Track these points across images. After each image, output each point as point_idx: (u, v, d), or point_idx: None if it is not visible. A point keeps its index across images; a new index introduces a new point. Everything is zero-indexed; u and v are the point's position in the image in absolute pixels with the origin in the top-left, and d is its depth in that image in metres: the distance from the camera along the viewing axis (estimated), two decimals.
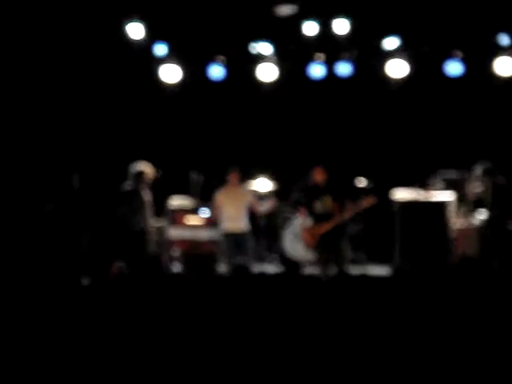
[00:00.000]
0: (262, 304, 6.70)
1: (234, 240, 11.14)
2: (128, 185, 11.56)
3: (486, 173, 11.33)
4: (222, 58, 13.21)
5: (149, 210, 11.56)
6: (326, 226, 10.39)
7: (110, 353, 6.06)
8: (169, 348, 6.06)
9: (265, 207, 11.60)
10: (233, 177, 11.24)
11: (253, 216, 12.95)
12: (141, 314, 6.50)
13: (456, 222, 11.87)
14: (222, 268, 11.46)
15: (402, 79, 12.99)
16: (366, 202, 10.54)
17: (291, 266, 8.46)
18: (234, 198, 11.18)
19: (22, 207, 11.99)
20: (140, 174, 11.50)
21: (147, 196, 11.54)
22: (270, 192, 13.24)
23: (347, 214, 10.56)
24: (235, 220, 11.11)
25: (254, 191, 11.71)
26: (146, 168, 11.57)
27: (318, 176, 10.60)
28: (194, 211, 12.32)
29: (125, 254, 10.95)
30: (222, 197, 11.30)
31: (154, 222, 11.78)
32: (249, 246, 11.28)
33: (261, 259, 13.07)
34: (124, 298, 6.80)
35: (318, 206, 10.58)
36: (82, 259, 11.17)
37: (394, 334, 6.17)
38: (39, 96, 12.59)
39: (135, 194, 11.47)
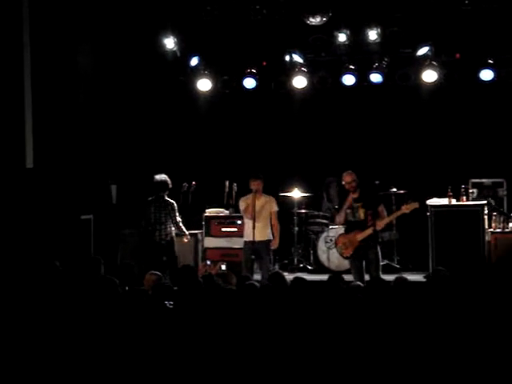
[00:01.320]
0: (295, 310, 6.77)
1: (252, 248, 10.98)
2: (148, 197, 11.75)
3: None
4: (254, 68, 13.30)
5: (170, 220, 11.63)
6: (362, 235, 10.37)
7: (149, 361, 6.16)
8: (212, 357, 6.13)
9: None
10: (255, 185, 11.05)
11: (288, 224, 13.08)
12: (179, 322, 6.59)
13: (491, 228, 11.84)
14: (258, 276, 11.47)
15: (434, 87, 12.99)
16: (408, 207, 10.47)
17: (334, 276, 8.40)
18: (254, 206, 10.95)
19: (59, 219, 12.12)
20: (160, 184, 11.63)
21: (168, 206, 11.63)
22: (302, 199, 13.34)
23: (387, 221, 10.56)
24: (254, 229, 10.88)
25: (274, 200, 11.35)
26: (166, 179, 11.69)
27: (347, 178, 10.52)
28: (229, 220, 12.42)
29: (152, 264, 11.12)
30: (243, 204, 11.24)
31: (180, 231, 11.85)
32: (264, 255, 11.08)
33: (295, 267, 13.15)
34: (160, 308, 6.90)
35: (350, 214, 10.55)
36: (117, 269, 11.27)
37: (430, 340, 6.21)
38: (79, 108, 12.73)
39: (152, 205, 11.62)
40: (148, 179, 12.10)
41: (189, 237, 11.87)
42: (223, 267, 9.16)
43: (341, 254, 10.77)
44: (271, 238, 11.14)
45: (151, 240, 11.55)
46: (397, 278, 8.06)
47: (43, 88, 11.94)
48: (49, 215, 11.86)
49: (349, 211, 10.51)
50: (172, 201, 11.66)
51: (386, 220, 10.55)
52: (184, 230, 11.76)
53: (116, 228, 12.40)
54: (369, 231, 10.32)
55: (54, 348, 6.30)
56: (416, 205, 10.47)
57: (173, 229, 11.60)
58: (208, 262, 10.78)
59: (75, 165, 12.52)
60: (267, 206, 11.11)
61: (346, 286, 7.95)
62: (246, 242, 11.13)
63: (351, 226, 10.55)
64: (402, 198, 12.14)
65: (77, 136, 12.68)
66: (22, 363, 6.16)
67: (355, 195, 10.48)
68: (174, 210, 11.62)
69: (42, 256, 10.64)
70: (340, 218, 10.68)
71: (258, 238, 10.93)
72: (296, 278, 8.18)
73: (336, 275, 8.43)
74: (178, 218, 11.68)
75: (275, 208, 11.22)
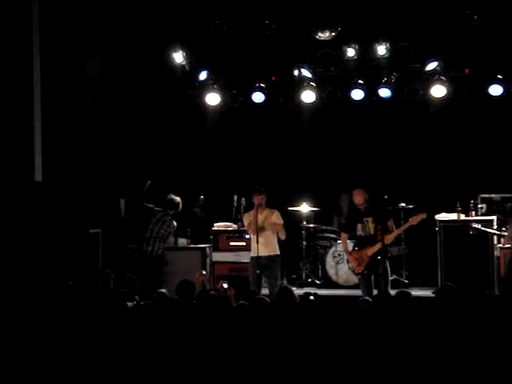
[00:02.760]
0: (306, 325, 6.75)
1: (257, 264, 10.90)
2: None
3: None
4: (263, 82, 13.33)
5: (166, 238, 11.71)
6: (372, 249, 10.35)
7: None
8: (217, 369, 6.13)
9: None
10: (257, 199, 10.97)
11: (296, 239, 13.06)
12: (181, 335, 6.59)
13: (500, 243, 11.80)
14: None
15: (443, 102, 12.99)
16: (416, 219, 10.45)
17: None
18: (257, 221, 10.86)
19: (67, 232, 12.14)
20: (171, 202, 11.67)
21: (171, 228, 11.69)
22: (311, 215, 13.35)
23: (395, 234, 10.52)
24: (259, 243, 10.79)
25: (278, 213, 11.19)
26: (179, 200, 11.75)
27: (358, 197, 10.54)
28: (237, 234, 12.41)
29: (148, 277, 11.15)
30: (246, 220, 11.20)
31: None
32: (271, 270, 10.96)
33: (303, 282, 13.13)
34: (165, 321, 6.90)
35: (360, 228, 10.55)
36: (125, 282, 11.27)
37: (437, 355, 6.19)
38: (88, 121, 12.77)
39: (155, 217, 11.66)
40: (156, 194, 12.13)
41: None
42: (225, 286, 9.14)
43: (353, 271, 10.75)
44: (278, 253, 11.06)
45: (142, 252, 11.54)
46: (398, 293, 8.07)
47: (53, 101, 11.97)
48: (57, 229, 11.86)
49: (359, 226, 10.50)
50: (175, 224, 11.69)
51: (395, 233, 10.52)
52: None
53: (124, 242, 12.39)
54: (378, 246, 10.30)
55: (62, 361, 6.31)
56: (424, 216, 10.44)
57: (162, 245, 11.63)
58: (204, 272, 10.78)
59: (84, 178, 12.54)
60: (270, 219, 11.00)
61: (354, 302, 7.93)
62: (251, 257, 11.07)
63: (361, 241, 10.55)
64: (410, 212, 12.11)
65: (86, 149, 12.70)
66: (31, 373, 6.18)
67: (365, 210, 10.48)
68: (172, 233, 11.73)
69: (50, 269, 10.65)
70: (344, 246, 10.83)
71: (262, 253, 10.84)
72: (283, 290, 8.16)
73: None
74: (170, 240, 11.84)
75: (279, 221, 11.07)
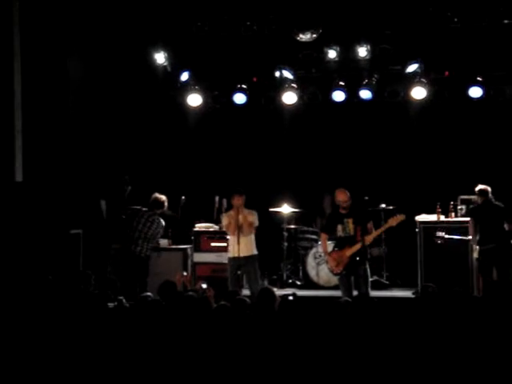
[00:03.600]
0: (286, 326, 6.78)
1: (237, 264, 10.90)
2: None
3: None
4: (245, 83, 13.35)
5: (153, 239, 11.63)
6: (351, 250, 10.38)
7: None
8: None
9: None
10: (237, 200, 10.95)
11: (277, 240, 13.09)
12: (162, 337, 6.60)
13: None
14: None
15: (423, 103, 13.06)
16: (395, 220, 10.48)
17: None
18: (237, 222, 10.84)
19: (48, 233, 12.11)
20: (157, 201, 11.65)
21: (160, 229, 11.64)
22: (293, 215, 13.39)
23: (374, 235, 10.54)
24: (238, 244, 10.79)
25: (255, 214, 11.10)
26: (165, 199, 11.70)
27: (342, 196, 10.56)
28: (218, 235, 12.41)
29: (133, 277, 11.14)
30: (225, 220, 11.17)
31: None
32: (251, 270, 10.95)
33: (284, 283, 13.16)
34: (147, 322, 6.90)
35: (341, 229, 10.57)
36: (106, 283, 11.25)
37: (417, 356, 6.23)
38: (69, 121, 12.74)
39: (142, 218, 11.63)
40: (139, 194, 12.12)
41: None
42: (204, 286, 9.16)
43: (331, 271, 10.76)
44: (256, 253, 11.05)
45: (130, 252, 11.51)
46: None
47: (34, 102, 11.94)
48: (38, 229, 11.83)
49: (340, 227, 10.53)
50: (163, 223, 11.66)
51: (374, 234, 10.54)
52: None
53: (105, 243, 12.37)
54: (357, 246, 10.33)
55: (42, 361, 6.31)
56: (402, 217, 10.46)
57: (150, 246, 11.61)
58: (184, 273, 10.78)
59: (65, 179, 12.51)
60: (248, 220, 10.97)
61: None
62: (229, 258, 11.07)
63: (341, 242, 10.56)
64: (391, 213, 12.15)
65: (67, 150, 12.67)
66: (10, 373, 6.17)
67: (345, 210, 10.51)
68: (160, 232, 11.67)
69: (31, 270, 10.62)
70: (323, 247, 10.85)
71: (242, 254, 10.84)
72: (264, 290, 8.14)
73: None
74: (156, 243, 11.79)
75: (255, 222, 11.04)
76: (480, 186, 11.33)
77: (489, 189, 11.26)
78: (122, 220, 12.19)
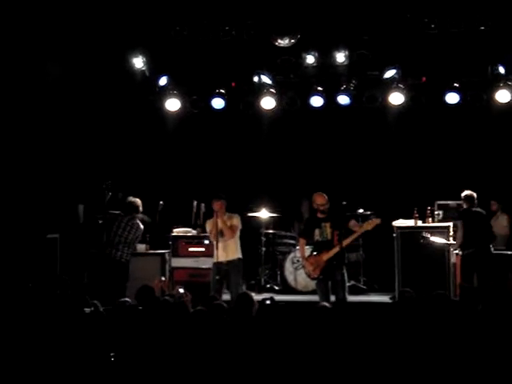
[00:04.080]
0: (263, 331, 6.78)
1: (219, 269, 10.86)
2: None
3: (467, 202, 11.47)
4: (223, 88, 13.35)
5: (133, 243, 11.56)
6: (328, 254, 10.38)
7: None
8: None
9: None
10: (216, 205, 10.92)
11: (255, 245, 13.10)
12: (138, 341, 6.58)
13: (456, 250, 11.93)
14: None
15: (401, 109, 13.11)
16: (370, 224, 10.48)
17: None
18: (217, 227, 10.80)
19: (25, 237, 12.05)
20: (133, 205, 11.60)
21: (138, 231, 11.59)
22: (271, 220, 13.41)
23: (350, 239, 10.51)
24: (221, 249, 10.78)
25: (237, 217, 11.09)
26: (139, 202, 11.66)
27: (319, 199, 10.56)
28: (196, 240, 12.38)
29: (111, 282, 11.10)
30: (208, 226, 11.13)
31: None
32: (232, 275, 10.90)
33: (262, 287, 13.16)
34: (124, 327, 6.88)
35: (318, 234, 10.58)
36: (84, 288, 11.22)
37: (395, 361, 6.24)
38: (46, 125, 12.69)
39: (121, 222, 11.58)
40: (115, 199, 12.08)
41: None
42: (181, 290, 9.15)
43: (308, 276, 10.77)
44: (239, 257, 11.01)
45: (110, 257, 11.46)
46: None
47: (10, 107, 11.89)
48: (15, 234, 11.76)
49: (317, 232, 10.53)
50: (142, 227, 11.63)
51: (350, 238, 10.50)
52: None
53: (82, 247, 12.31)
54: (335, 250, 10.32)
55: (17, 367, 6.27)
56: (378, 221, 10.43)
57: (130, 250, 11.56)
58: (162, 278, 10.76)
59: (42, 183, 12.45)
60: (228, 224, 10.95)
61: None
62: (213, 263, 11.05)
63: (318, 246, 10.56)
64: (368, 218, 12.19)
65: (44, 154, 12.62)
66: None
67: (323, 215, 10.52)
68: (139, 237, 11.62)
69: (7, 275, 10.56)
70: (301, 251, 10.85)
71: (222, 259, 10.83)
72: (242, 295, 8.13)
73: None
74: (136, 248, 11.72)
75: (237, 226, 11.00)
76: (466, 192, 11.43)
77: (475, 195, 11.35)
78: (99, 225, 12.13)
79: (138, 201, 11.64)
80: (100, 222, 12.15)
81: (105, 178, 12.56)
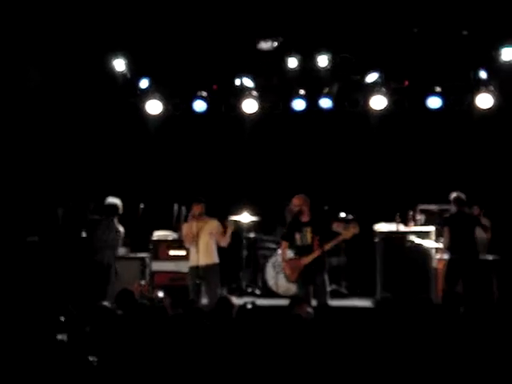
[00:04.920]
0: (245, 336, 6.73)
1: (197, 273, 10.79)
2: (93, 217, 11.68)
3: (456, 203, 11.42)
4: (204, 91, 13.31)
5: (115, 245, 11.47)
6: (307, 259, 10.34)
7: None
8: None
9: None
10: (196, 209, 10.87)
11: (236, 248, 13.05)
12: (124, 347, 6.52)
13: (437, 254, 11.93)
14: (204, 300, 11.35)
15: (383, 113, 13.11)
16: (348, 233, 10.45)
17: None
18: (196, 231, 10.79)
19: (4, 240, 11.97)
20: (112, 207, 11.51)
21: (118, 232, 11.48)
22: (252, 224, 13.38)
23: (328, 246, 10.44)
24: (197, 253, 10.76)
25: (218, 223, 11.00)
26: (118, 203, 11.57)
27: (295, 201, 10.51)
28: (177, 243, 12.31)
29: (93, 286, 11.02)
30: (184, 229, 11.07)
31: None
32: (210, 279, 10.84)
33: (243, 291, 13.11)
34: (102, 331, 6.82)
35: (298, 238, 10.54)
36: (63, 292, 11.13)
37: (375, 366, 6.21)
38: (27, 128, 12.61)
39: (99, 226, 11.48)
40: (96, 201, 11.99)
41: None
42: (160, 294, 9.09)
43: (287, 279, 10.74)
44: (216, 262, 10.96)
45: (92, 261, 11.36)
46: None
47: None
48: None
49: (298, 236, 10.50)
50: (122, 228, 11.52)
51: (330, 243, 10.44)
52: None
53: (61, 250, 12.22)
54: (314, 255, 10.27)
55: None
56: (356, 230, 10.27)
57: (113, 253, 11.44)
58: (142, 282, 10.67)
59: (21, 186, 12.36)
60: (208, 228, 10.90)
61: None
62: (190, 267, 10.98)
63: (299, 251, 10.53)
64: (350, 223, 12.16)
65: (24, 157, 12.53)
66: None
67: (305, 219, 10.48)
68: (121, 238, 11.50)
69: None
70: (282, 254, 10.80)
71: (201, 263, 10.78)
72: (221, 299, 8.06)
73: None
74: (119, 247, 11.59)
75: (218, 229, 10.94)
76: (455, 194, 11.33)
77: (463, 197, 11.29)
78: (78, 228, 12.04)
79: (118, 201, 11.55)
80: (79, 225, 12.05)
81: (86, 181, 12.50)
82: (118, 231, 11.44)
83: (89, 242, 11.50)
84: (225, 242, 11.00)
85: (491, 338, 6.54)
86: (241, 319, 7.27)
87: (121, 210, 11.54)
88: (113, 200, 11.55)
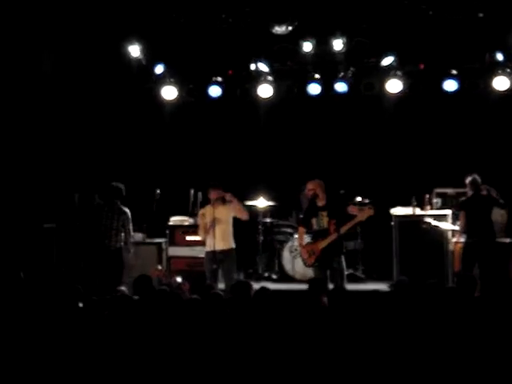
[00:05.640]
0: (261, 321, 6.75)
1: (213, 258, 10.77)
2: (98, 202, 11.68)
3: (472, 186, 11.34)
4: (220, 76, 13.30)
5: (123, 229, 11.36)
6: (323, 243, 10.37)
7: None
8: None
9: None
10: (213, 194, 10.88)
11: (252, 233, 13.07)
12: (137, 332, 6.56)
13: (454, 237, 11.91)
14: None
15: (399, 96, 13.07)
16: (363, 215, 10.38)
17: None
18: (213, 216, 10.78)
19: (22, 227, 12.02)
20: (115, 190, 11.47)
21: (123, 215, 11.40)
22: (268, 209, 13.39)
23: (344, 229, 10.43)
24: (214, 238, 10.73)
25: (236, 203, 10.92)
26: (121, 186, 11.51)
27: (309, 185, 10.56)
28: (193, 229, 12.33)
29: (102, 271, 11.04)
30: (202, 215, 11.09)
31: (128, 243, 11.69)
32: (227, 264, 10.84)
33: (260, 276, 13.14)
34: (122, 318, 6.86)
35: (315, 222, 10.56)
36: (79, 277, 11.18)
37: (392, 349, 6.22)
38: (42, 115, 12.65)
39: (103, 211, 11.45)
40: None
41: (132, 251, 11.64)
42: (179, 280, 9.10)
43: (304, 263, 10.76)
44: (233, 247, 10.96)
45: (103, 247, 11.36)
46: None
47: (6, 95, 11.83)
48: (11, 223, 11.73)
49: (314, 220, 10.52)
50: (127, 210, 11.46)
51: (347, 226, 10.44)
52: (131, 244, 11.52)
53: (78, 237, 12.26)
54: (331, 238, 10.29)
55: (12, 360, 6.24)
56: (371, 212, 10.32)
57: (122, 237, 11.44)
58: (159, 267, 10.68)
59: (38, 172, 12.41)
60: (226, 212, 10.91)
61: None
62: (206, 251, 10.99)
63: (315, 235, 10.57)
64: (365, 205, 12.14)
65: (40, 144, 12.57)
66: None
67: (321, 203, 10.49)
68: (129, 219, 11.39)
69: (3, 265, 10.52)
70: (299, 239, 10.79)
71: (218, 248, 10.78)
72: (260, 289, 8.08)
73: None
74: (132, 229, 11.52)
75: (235, 208, 10.87)
76: (470, 178, 11.24)
77: (479, 180, 11.21)
78: (92, 214, 12.03)
79: (121, 185, 11.48)
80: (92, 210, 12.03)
81: (103, 167, 12.51)
82: (122, 213, 11.38)
83: (97, 227, 11.46)
84: (246, 216, 10.98)
85: (507, 321, 6.53)
86: (259, 303, 7.29)
87: (124, 193, 11.47)
88: (116, 184, 11.49)
